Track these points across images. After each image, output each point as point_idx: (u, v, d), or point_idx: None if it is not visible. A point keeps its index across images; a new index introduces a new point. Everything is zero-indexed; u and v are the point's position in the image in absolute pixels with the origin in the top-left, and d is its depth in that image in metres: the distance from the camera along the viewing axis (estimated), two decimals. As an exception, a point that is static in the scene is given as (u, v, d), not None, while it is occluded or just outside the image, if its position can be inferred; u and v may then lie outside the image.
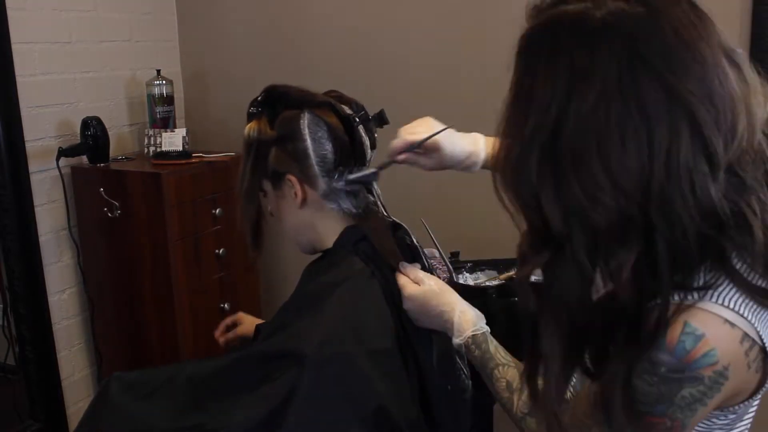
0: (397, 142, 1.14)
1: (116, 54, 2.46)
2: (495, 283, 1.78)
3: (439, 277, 1.36)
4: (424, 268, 1.17)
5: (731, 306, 0.69)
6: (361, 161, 1.14)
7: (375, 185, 1.20)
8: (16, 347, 2.20)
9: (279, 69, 2.54)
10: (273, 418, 0.94)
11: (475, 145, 1.21)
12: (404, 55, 2.36)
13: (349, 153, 1.11)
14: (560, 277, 0.69)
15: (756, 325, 0.70)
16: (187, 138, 2.41)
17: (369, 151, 1.15)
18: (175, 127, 2.49)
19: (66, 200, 2.24)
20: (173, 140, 2.39)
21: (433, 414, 1.09)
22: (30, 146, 2.13)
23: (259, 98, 1.14)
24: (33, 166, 2.15)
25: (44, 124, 2.21)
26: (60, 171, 2.19)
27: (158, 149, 2.38)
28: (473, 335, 1.01)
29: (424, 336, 1.11)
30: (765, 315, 0.71)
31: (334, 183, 1.12)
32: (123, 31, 2.48)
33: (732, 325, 0.69)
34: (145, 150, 2.43)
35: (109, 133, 2.28)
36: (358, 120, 1.12)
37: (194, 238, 2.24)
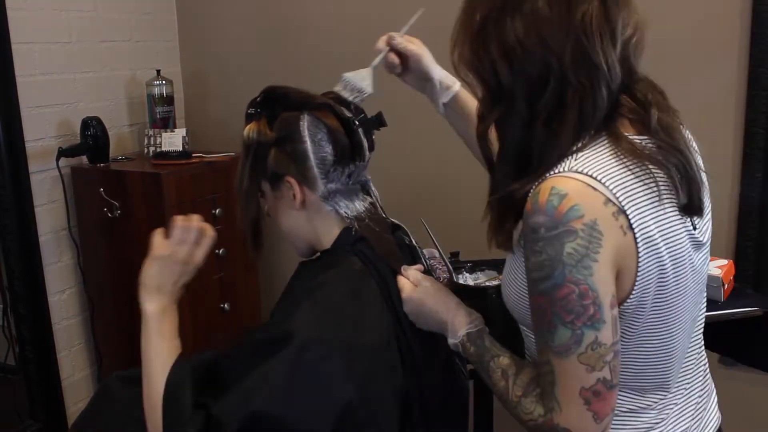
0: (382, 38, 1.27)
1: (116, 54, 2.46)
2: (495, 283, 1.78)
3: (439, 278, 1.36)
4: (423, 269, 1.17)
5: (592, 174, 0.82)
6: (360, 162, 1.14)
7: (372, 187, 1.20)
8: (16, 347, 2.20)
9: (279, 69, 2.54)
10: (252, 393, 0.95)
11: (454, 82, 1.31)
12: (404, 55, 2.36)
13: (348, 155, 1.11)
14: (508, 125, 0.89)
15: (617, 194, 0.82)
16: (187, 138, 2.41)
17: (368, 153, 1.15)
18: (175, 127, 2.49)
19: (66, 200, 2.24)
20: (173, 140, 2.39)
21: (431, 414, 1.09)
22: (30, 146, 2.14)
23: (257, 99, 1.14)
24: (33, 166, 2.15)
25: (44, 124, 2.21)
26: (60, 171, 2.19)
27: (158, 149, 2.38)
28: (467, 333, 1.01)
29: (423, 337, 1.11)
30: (629, 183, 0.84)
31: (333, 185, 1.12)
32: (123, 31, 2.49)
33: (593, 189, 0.82)
34: (145, 150, 2.43)
35: (109, 133, 2.28)
36: (357, 123, 1.12)
37: (194, 238, 2.24)
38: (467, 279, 1.80)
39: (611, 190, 0.82)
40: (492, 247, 0.95)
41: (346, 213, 1.13)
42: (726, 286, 1.63)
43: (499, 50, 0.86)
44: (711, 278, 1.54)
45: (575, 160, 0.85)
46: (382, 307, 1.07)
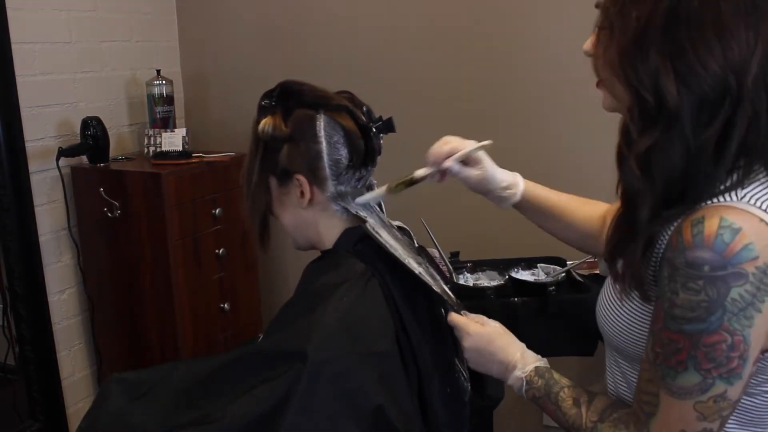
0: (442, 148, 1.14)
1: (116, 54, 2.46)
2: (494, 283, 1.78)
3: (440, 273, 1.36)
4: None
5: (764, 207, 0.72)
6: (371, 166, 1.14)
7: (376, 189, 1.20)
8: (16, 347, 2.20)
9: (279, 69, 2.54)
10: (271, 415, 0.94)
11: (515, 178, 1.22)
12: (406, 56, 2.36)
13: (362, 161, 1.11)
14: (664, 152, 0.75)
15: None
16: (187, 138, 2.41)
17: (378, 157, 1.15)
18: (175, 127, 2.49)
19: (66, 200, 2.24)
20: (173, 140, 2.39)
21: (432, 416, 1.09)
22: (30, 146, 2.14)
23: (273, 92, 1.12)
24: (33, 166, 2.15)
25: (44, 124, 2.21)
26: (60, 171, 2.19)
27: (158, 149, 2.38)
28: (536, 367, 1.00)
29: (423, 338, 1.11)
30: None
31: (343, 187, 1.11)
32: (123, 31, 2.49)
33: (767, 224, 0.72)
34: (145, 150, 2.43)
35: (109, 133, 2.28)
36: (375, 130, 1.12)
37: (194, 238, 2.25)
38: (467, 279, 1.80)
39: None
40: (624, 289, 0.85)
41: (357, 213, 1.12)
42: None
43: (665, 61, 0.74)
44: None
45: (742, 189, 0.75)
46: (387, 309, 1.07)
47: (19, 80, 2.07)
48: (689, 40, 0.73)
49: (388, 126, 1.16)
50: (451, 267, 1.77)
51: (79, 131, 2.23)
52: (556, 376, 0.99)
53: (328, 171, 1.09)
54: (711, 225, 0.72)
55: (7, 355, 2.21)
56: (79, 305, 2.38)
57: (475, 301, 1.66)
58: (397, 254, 1.09)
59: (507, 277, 1.79)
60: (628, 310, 0.87)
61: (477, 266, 1.82)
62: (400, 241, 1.16)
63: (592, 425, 0.89)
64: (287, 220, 1.17)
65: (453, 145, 1.15)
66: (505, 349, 1.03)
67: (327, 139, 1.08)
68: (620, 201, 0.85)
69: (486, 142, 1.15)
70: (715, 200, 0.76)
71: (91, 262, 2.32)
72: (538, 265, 1.86)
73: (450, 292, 1.15)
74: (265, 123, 1.10)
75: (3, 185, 2.07)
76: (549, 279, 1.77)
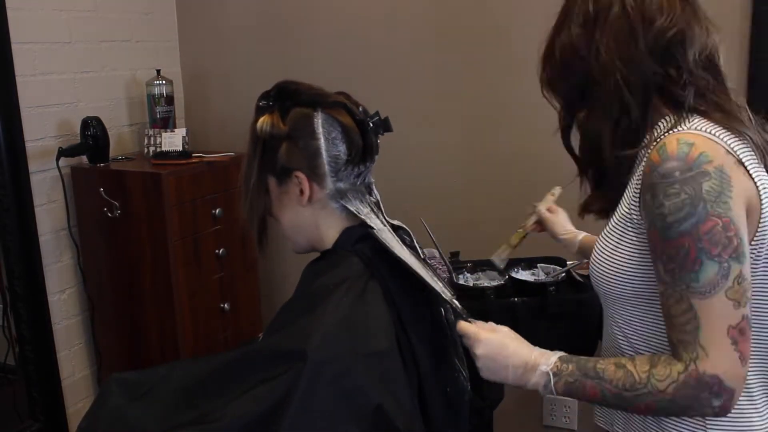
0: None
1: (116, 54, 2.46)
2: (494, 283, 1.78)
3: (440, 277, 1.36)
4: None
5: (708, 131, 0.92)
6: (369, 162, 1.14)
7: (374, 188, 1.20)
8: (16, 347, 2.20)
9: (279, 69, 2.54)
10: (271, 415, 0.94)
11: (574, 232, 1.57)
12: (405, 56, 2.36)
13: (360, 156, 1.12)
14: (602, 106, 1.01)
15: (733, 147, 0.92)
16: (187, 138, 2.41)
17: (373, 159, 1.15)
18: (175, 127, 2.49)
19: (66, 200, 2.24)
20: (173, 140, 2.39)
21: (432, 416, 1.09)
22: (30, 146, 2.14)
23: (270, 92, 1.13)
24: (33, 166, 2.15)
25: (44, 124, 2.21)
26: (60, 171, 2.19)
27: (158, 149, 2.38)
28: (559, 357, 1.01)
29: (423, 338, 1.11)
30: (738, 143, 0.94)
31: (342, 183, 1.12)
32: (123, 31, 2.49)
33: (714, 141, 0.91)
34: (145, 150, 2.43)
35: (109, 133, 2.28)
36: (372, 124, 1.12)
37: (194, 238, 2.25)
38: (467, 279, 1.80)
39: (728, 144, 0.91)
40: (584, 215, 1.13)
41: (357, 211, 1.12)
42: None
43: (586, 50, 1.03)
44: None
45: (688, 123, 0.95)
46: (386, 308, 1.07)
47: (19, 80, 2.07)
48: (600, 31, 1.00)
49: (384, 125, 1.16)
50: (451, 267, 1.77)
51: (79, 131, 2.23)
52: (582, 358, 1.00)
53: (327, 167, 1.10)
54: (671, 143, 0.90)
55: (7, 355, 2.21)
56: (79, 305, 2.38)
57: (475, 301, 1.66)
58: (409, 264, 1.09)
59: (507, 277, 1.78)
60: (618, 256, 0.99)
61: (477, 266, 1.82)
62: (406, 248, 1.15)
63: (646, 374, 0.91)
64: (287, 220, 1.17)
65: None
66: (519, 351, 1.03)
67: (325, 135, 1.08)
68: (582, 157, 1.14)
69: (557, 189, 1.66)
70: (668, 133, 0.94)
71: (91, 262, 2.32)
72: (538, 265, 1.86)
73: (455, 301, 1.14)
74: (263, 121, 1.11)
75: (3, 185, 2.07)
76: (549, 279, 1.77)
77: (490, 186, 2.30)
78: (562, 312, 1.71)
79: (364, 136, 1.11)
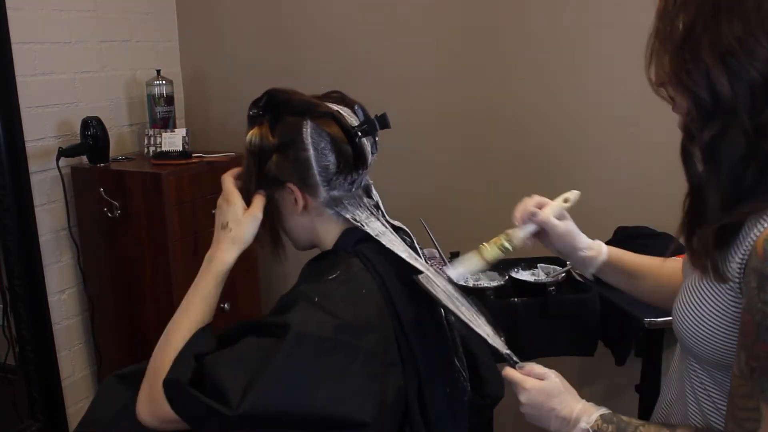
0: (529, 202, 1.16)
1: (116, 54, 2.46)
2: (494, 284, 1.78)
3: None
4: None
5: None
6: (362, 170, 1.14)
7: (374, 190, 1.20)
8: (16, 347, 2.20)
9: (279, 69, 2.54)
10: (252, 375, 0.95)
11: (597, 243, 1.19)
12: (405, 55, 2.36)
13: (351, 165, 1.12)
14: (726, 142, 0.79)
15: None
16: (187, 138, 2.41)
17: (370, 157, 1.15)
18: (175, 127, 2.49)
19: (66, 200, 2.24)
20: (173, 140, 2.39)
21: (432, 416, 1.09)
22: (30, 146, 2.14)
23: (260, 102, 1.13)
24: (33, 166, 2.15)
25: (44, 124, 2.21)
26: (60, 171, 2.20)
27: (158, 149, 2.38)
28: (601, 414, 0.97)
29: (423, 339, 1.10)
30: None
31: (336, 191, 1.12)
32: (123, 31, 2.49)
33: None
34: (145, 150, 2.43)
35: (109, 133, 2.28)
36: (360, 134, 1.12)
37: (194, 238, 2.25)
38: (467, 279, 1.80)
39: None
40: (702, 274, 0.87)
41: (353, 218, 1.13)
42: None
43: (713, 57, 0.77)
44: None
45: None
46: (381, 307, 1.07)
47: (19, 80, 2.07)
48: (733, 34, 0.76)
49: (382, 123, 1.16)
50: (450, 265, 1.77)
51: (79, 131, 2.23)
52: (625, 418, 0.96)
53: (318, 178, 1.10)
54: None
55: (7, 355, 2.21)
56: (79, 305, 2.38)
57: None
58: (459, 313, 1.07)
59: (507, 277, 1.79)
60: (708, 314, 0.86)
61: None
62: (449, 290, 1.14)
63: None
64: (286, 225, 1.18)
65: (538, 199, 1.16)
66: (563, 404, 1.00)
67: (314, 146, 1.08)
68: (685, 200, 0.88)
69: (574, 194, 1.17)
70: None
71: (91, 262, 2.32)
72: (538, 265, 1.86)
73: (506, 348, 1.09)
74: (252, 134, 1.12)
75: (3, 185, 2.07)
76: (549, 279, 1.77)
77: (490, 186, 2.30)
78: (562, 312, 1.71)
79: (353, 145, 1.11)
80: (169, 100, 2.47)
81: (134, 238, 2.19)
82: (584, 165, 2.16)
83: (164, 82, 2.45)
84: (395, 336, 1.06)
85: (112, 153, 2.31)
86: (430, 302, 1.18)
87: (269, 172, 1.12)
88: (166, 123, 2.46)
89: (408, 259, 1.11)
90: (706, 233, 0.83)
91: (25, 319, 2.17)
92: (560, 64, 2.14)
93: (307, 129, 1.08)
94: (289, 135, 1.09)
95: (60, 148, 2.16)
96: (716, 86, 0.77)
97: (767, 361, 0.77)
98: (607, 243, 1.19)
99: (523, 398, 1.02)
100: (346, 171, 1.11)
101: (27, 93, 2.12)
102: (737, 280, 0.82)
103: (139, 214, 2.17)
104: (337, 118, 1.10)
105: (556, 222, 1.14)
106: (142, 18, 2.56)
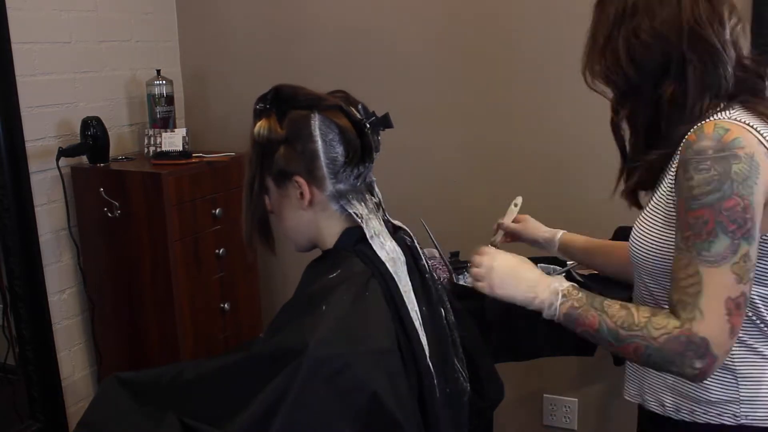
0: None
1: (116, 54, 2.46)
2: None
3: (439, 278, 1.36)
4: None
5: (745, 121, 0.97)
6: (368, 162, 1.14)
7: (376, 188, 1.20)
8: (16, 347, 2.20)
9: (279, 69, 2.54)
10: (268, 412, 0.94)
11: (554, 230, 1.54)
12: (405, 55, 2.36)
13: (359, 157, 1.12)
14: (639, 111, 1.08)
15: (766, 136, 0.97)
16: (187, 138, 2.41)
17: (375, 154, 1.15)
18: (175, 127, 2.49)
19: (66, 200, 2.24)
20: (173, 140, 2.39)
21: (432, 416, 1.09)
22: (30, 146, 2.14)
23: (267, 95, 1.13)
24: (33, 166, 2.15)
25: (44, 124, 2.21)
26: (60, 171, 2.19)
27: (158, 149, 2.38)
28: (572, 285, 1.08)
29: (423, 339, 1.11)
30: None
31: (342, 185, 1.12)
32: (123, 31, 2.49)
33: (748, 131, 0.96)
34: (145, 150, 2.43)
35: (109, 133, 2.28)
36: (369, 126, 1.12)
37: (194, 238, 2.25)
38: (467, 279, 1.80)
39: (763, 136, 0.96)
40: (618, 196, 1.18)
41: (355, 213, 1.12)
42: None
43: (625, 55, 1.04)
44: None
45: (727, 113, 1.00)
46: (386, 309, 1.07)
47: (19, 80, 2.07)
48: (631, 28, 1.04)
49: (384, 122, 1.16)
50: (451, 267, 1.77)
51: (79, 131, 2.23)
52: (592, 293, 1.06)
53: (325, 170, 1.10)
54: (708, 126, 0.97)
55: (7, 355, 2.21)
56: (79, 305, 2.38)
57: (475, 301, 1.66)
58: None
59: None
60: (657, 233, 1.05)
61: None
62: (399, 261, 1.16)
63: (646, 320, 0.98)
64: (288, 222, 1.17)
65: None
66: (535, 270, 1.14)
67: (322, 138, 1.08)
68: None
69: (519, 199, 1.63)
70: (711, 118, 0.99)
71: (91, 262, 2.32)
72: (538, 265, 1.85)
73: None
74: (260, 126, 1.11)
75: (3, 185, 2.07)
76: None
77: (490, 186, 2.30)
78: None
79: (361, 136, 1.11)
80: (169, 100, 2.47)
81: (134, 238, 2.19)
82: (584, 164, 2.16)
83: (164, 82, 2.45)
84: (396, 336, 1.06)
85: (112, 153, 2.31)
86: (430, 302, 1.18)
87: (276, 164, 1.11)
88: (166, 123, 2.46)
89: (389, 266, 1.11)
90: (642, 170, 1.09)
91: (25, 319, 2.17)
92: (561, 64, 2.14)
93: (315, 121, 1.09)
94: (298, 127, 1.09)
95: (60, 148, 2.16)
96: (626, 72, 1.05)
97: (697, 225, 0.95)
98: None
99: (496, 261, 1.15)
100: (353, 163, 1.11)
101: (27, 93, 2.12)
102: (672, 189, 1.02)
103: (139, 214, 2.17)
104: (346, 110, 1.10)
105: (513, 225, 1.60)
106: (142, 18, 2.56)
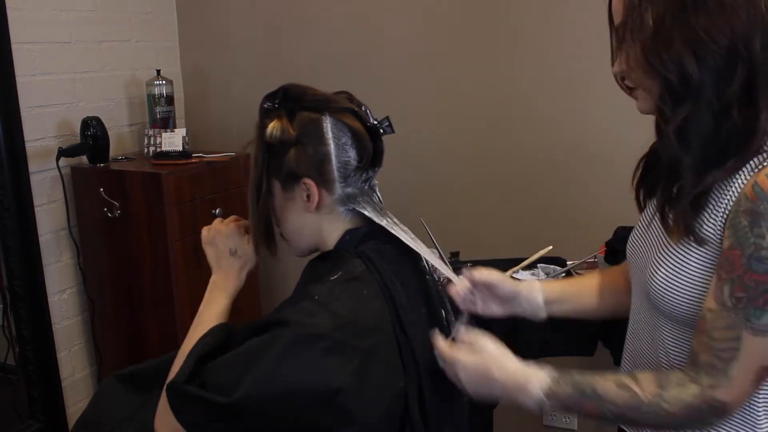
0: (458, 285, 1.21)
1: (116, 54, 2.46)
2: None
3: (439, 278, 1.36)
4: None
5: None
6: (378, 167, 1.14)
7: (377, 190, 1.20)
8: (16, 347, 2.20)
9: (279, 69, 2.54)
10: (252, 357, 0.96)
11: (531, 285, 1.22)
12: (406, 55, 2.36)
13: (370, 161, 1.11)
14: (696, 120, 0.89)
15: None
16: (187, 138, 2.41)
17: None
18: (175, 127, 2.49)
19: (66, 200, 2.24)
20: (173, 140, 2.39)
21: (432, 417, 1.09)
22: (30, 146, 2.14)
23: (276, 94, 1.12)
24: (33, 166, 2.15)
25: (44, 124, 2.21)
26: (60, 171, 2.19)
27: (158, 149, 2.38)
28: (552, 376, 0.96)
29: (423, 339, 1.10)
30: None
31: (350, 189, 1.11)
32: (123, 31, 2.49)
33: None
34: (145, 150, 2.43)
35: (109, 133, 2.28)
36: (383, 130, 1.12)
37: (194, 238, 2.24)
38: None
39: None
40: (677, 238, 0.95)
41: (371, 215, 1.12)
42: None
43: (684, 46, 0.87)
44: None
45: None
46: (383, 308, 1.07)
47: (19, 80, 2.07)
48: (699, 24, 0.86)
49: (386, 128, 1.16)
50: (451, 267, 1.77)
51: (79, 131, 2.23)
52: (576, 374, 0.96)
53: (336, 173, 1.09)
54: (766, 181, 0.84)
55: (7, 355, 2.21)
56: (79, 305, 2.38)
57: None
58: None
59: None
60: (684, 277, 0.94)
61: (477, 266, 1.82)
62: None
63: (656, 397, 0.90)
64: (290, 224, 1.16)
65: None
66: (504, 373, 0.98)
67: (335, 141, 1.08)
68: (663, 173, 0.97)
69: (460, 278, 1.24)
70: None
71: (91, 262, 2.32)
72: (538, 265, 1.86)
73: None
74: (273, 126, 1.09)
75: (3, 185, 2.07)
76: (549, 279, 1.77)
77: (490, 186, 2.30)
78: (562, 312, 1.71)
79: (375, 141, 1.11)
80: (169, 100, 2.47)
81: (134, 238, 2.19)
82: (584, 164, 2.16)
83: (164, 82, 2.45)
84: (396, 336, 1.06)
85: (112, 153, 2.31)
86: (430, 303, 1.18)
87: (286, 166, 1.10)
88: (166, 123, 2.46)
89: (415, 247, 1.12)
90: (683, 202, 0.92)
91: (25, 319, 2.17)
92: (561, 64, 2.14)
93: (327, 124, 1.08)
94: (310, 129, 1.08)
95: (60, 148, 2.16)
96: (685, 71, 0.87)
97: (756, 290, 0.85)
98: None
99: (462, 377, 1.00)
100: (364, 167, 1.11)
101: (27, 93, 2.12)
102: (716, 239, 0.90)
103: (139, 214, 2.17)
104: (358, 114, 1.10)
105: (480, 276, 1.24)
106: (142, 18, 2.56)
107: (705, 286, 0.92)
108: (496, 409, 1.39)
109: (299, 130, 1.08)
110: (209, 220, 2.29)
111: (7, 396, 2.27)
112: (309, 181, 1.09)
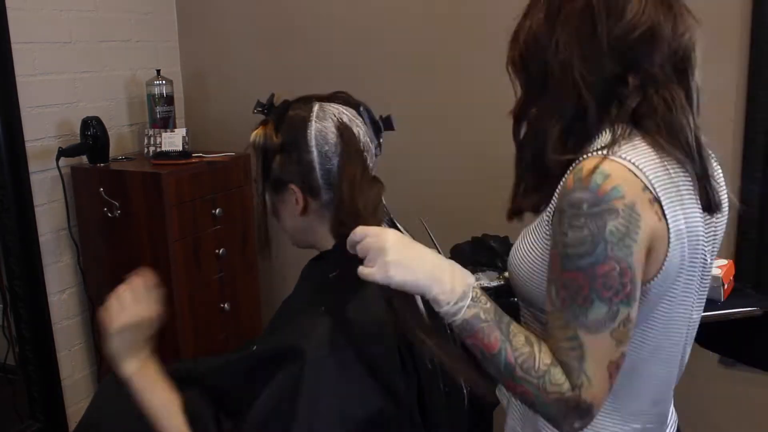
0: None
1: (116, 54, 2.46)
2: (495, 284, 1.78)
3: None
4: None
5: (632, 161, 0.86)
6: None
7: None
8: (16, 347, 2.20)
9: (279, 69, 2.54)
10: (283, 407, 0.95)
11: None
12: (405, 54, 2.36)
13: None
14: (545, 119, 0.95)
15: (654, 183, 0.86)
16: (187, 138, 2.41)
17: (374, 159, 1.15)
18: (175, 127, 2.49)
19: (66, 200, 2.24)
20: (173, 140, 2.39)
21: (432, 417, 1.09)
22: (30, 146, 2.14)
23: (265, 102, 1.13)
24: (33, 166, 2.15)
25: (44, 124, 2.21)
26: (60, 171, 2.19)
27: (158, 149, 2.38)
28: (481, 286, 0.97)
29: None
30: (663, 177, 0.88)
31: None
32: (123, 31, 2.49)
33: (634, 174, 0.85)
34: (145, 150, 2.43)
35: (109, 133, 2.28)
36: (384, 125, 1.13)
37: (194, 238, 2.25)
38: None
39: (649, 179, 0.86)
40: (511, 216, 1.01)
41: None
42: (726, 286, 1.63)
43: (548, 56, 0.94)
44: (712, 278, 1.54)
45: (618, 146, 0.88)
46: (385, 309, 1.07)
47: (19, 80, 2.07)
48: (558, 38, 0.92)
49: (386, 124, 1.16)
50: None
51: (79, 131, 2.23)
52: (495, 305, 0.92)
53: (320, 180, 1.09)
54: (588, 169, 0.85)
55: (7, 355, 2.21)
56: (79, 305, 2.38)
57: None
58: None
59: (507, 277, 1.78)
60: (534, 253, 0.95)
61: (477, 266, 1.82)
62: None
63: (545, 370, 0.87)
64: (287, 225, 1.18)
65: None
66: (437, 256, 0.93)
67: (318, 148, 1.08)
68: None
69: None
70: (592, 154, 0.88)
71: (91, 262, 2.32)
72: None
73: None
74: (257, 134, 1.12)
75: (3, 185, 2.07)
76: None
77: (490, 186, 2.29)
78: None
79: (359, 150, 1.11)
80: (169, 100, 2.47)
81: (134, 238, 2.19)
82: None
83: (164, 82, 2.45)
84: (397, 337, 1.06)
85: (112, 153, 2.31)
86: (428, 303, 1.18)
87: (273, 172, 1.11)
88: (166, 123, 2.46)
89: None
90: (528, 183, 0.99)
91: (25, 319, 2.17)
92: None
93: (312, 131, 1.08)
94: (294, 136, 1.09)
95: (60, 148, 2.16)
96: (548, 80, 0.93)
97: (572, 289, 0.86)
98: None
99: (389, 245, 0.90)
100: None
101: (27, 93, 2.12)
102: (549, 227, 0.91)
103: (139, 214, 2.17)
104: (342, 122, 1.10)
105: None
106: (142, 18, 2.56)
107: (544, 266, 0.92)
108: (495, 410, 1.39)
109: (284, 137, 1.09)
110: (209, 220, 2.31)
111: (7, 396, 2.27)
112: (294, 188, 1.10)
